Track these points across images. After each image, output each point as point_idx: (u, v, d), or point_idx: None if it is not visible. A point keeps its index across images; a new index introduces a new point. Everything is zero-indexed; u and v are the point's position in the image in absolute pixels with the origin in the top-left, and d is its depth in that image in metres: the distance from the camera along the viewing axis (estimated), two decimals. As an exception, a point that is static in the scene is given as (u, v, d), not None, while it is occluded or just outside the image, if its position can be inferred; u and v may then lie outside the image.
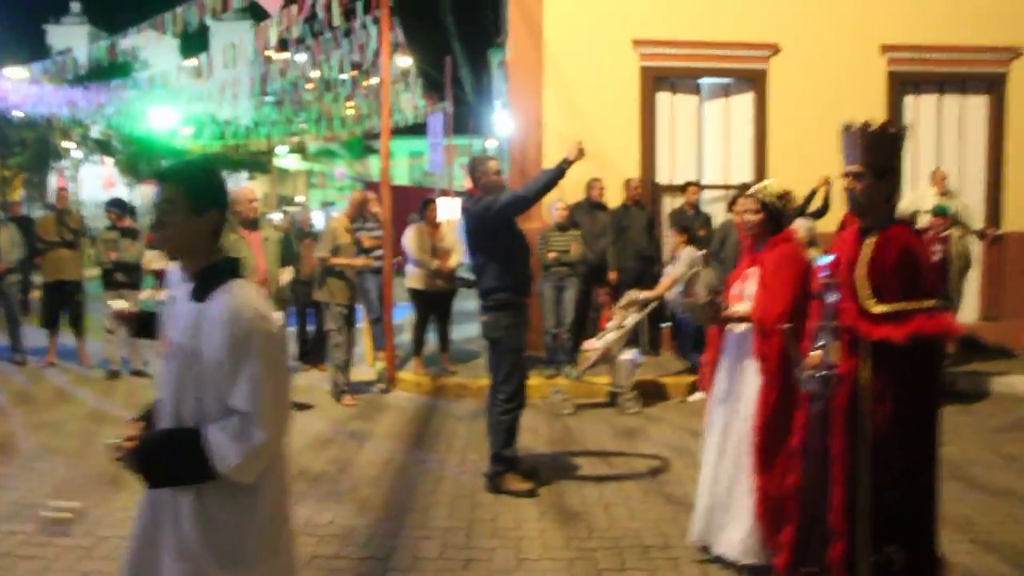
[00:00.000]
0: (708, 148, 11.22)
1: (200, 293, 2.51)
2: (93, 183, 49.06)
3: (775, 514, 4.03)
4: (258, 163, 47.83)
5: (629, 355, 8.34)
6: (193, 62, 15.43)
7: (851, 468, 3.20)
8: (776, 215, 4.41)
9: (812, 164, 9.33)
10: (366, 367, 10.00)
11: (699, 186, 10.58)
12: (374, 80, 17.76)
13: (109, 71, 20.50)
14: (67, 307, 10.40)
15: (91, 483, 5.96)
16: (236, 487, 2.43)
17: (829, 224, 9.04)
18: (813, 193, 9.46)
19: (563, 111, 10.65)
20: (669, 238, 8.99)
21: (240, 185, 9.27)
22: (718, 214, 10.43)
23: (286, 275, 8.92)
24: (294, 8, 10.96)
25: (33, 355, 10.68)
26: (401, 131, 23.09)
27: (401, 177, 58.53)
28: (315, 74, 17.31)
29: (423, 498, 5.75)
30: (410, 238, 9.35)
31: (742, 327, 4.39)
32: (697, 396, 8.62)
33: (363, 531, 5.14)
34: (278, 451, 2.52)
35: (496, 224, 5.88)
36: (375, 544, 4.95)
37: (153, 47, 19.42)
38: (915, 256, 3.23)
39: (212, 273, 2.54)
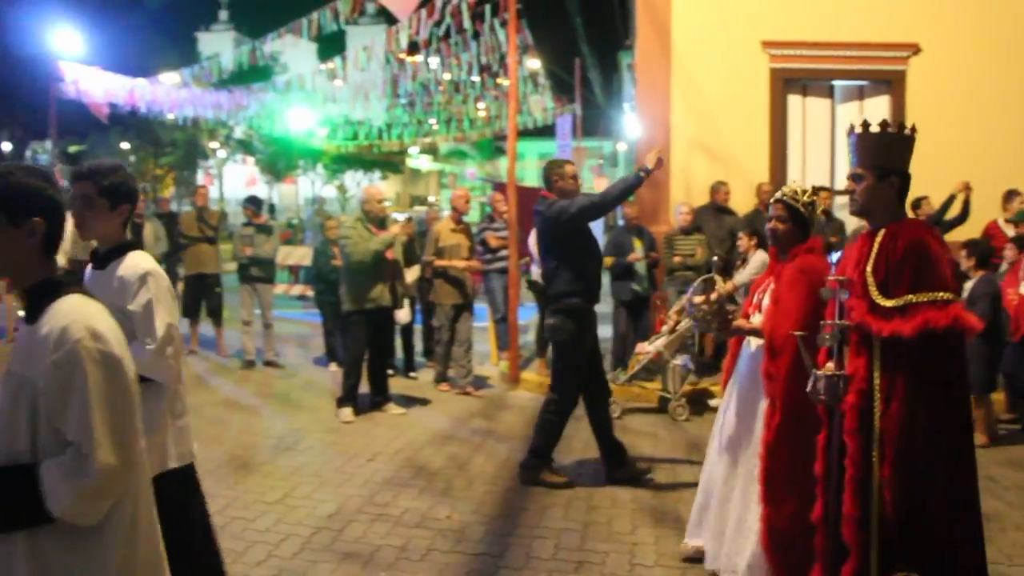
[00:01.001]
0: (841, 152, 10.88)
1: (31, 314, 2.20)
2: (236, 181, 51.61)
3: (782, 546, 3.84)
4: (391, 163, 49.12)
5: (680, 360, 8.16)
6: (329, 65, 15.97)
7: (862, 473, 3.03)
8: (803, 223, 4.17)
9: (951, 170, 8.96)
10: (490, 365, 10.14)
11: (831, 191, 10.24)
12: (503, 82, 17.96)
13: (251, 74, 21.40)
14: (207, 298, 10.90)
15: (223, 466, 6.27)
16: (77, 532, 2.10)
17: (970, 231, 8.63)
18: (951, 199, 9.04)
19: (691, 114, 10.52)
20: (742, 239, 8.74)
21: (371, 184, 9.60)
22: (851, 220, 10.09)
23: (412, 273, 9.16)
24: (424, 12, 11.19)
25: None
26: (530, 133, 23.27)
27: (531, 179, 58.77)
28: (446, 76, 17.60)
29: (539, 498, 5.77)
30: (535, 239, 9.38)
31: (758, 342, 4.16)
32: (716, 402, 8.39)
33: (478, 528, 5.21)
34: (131, 487, 2.19)
35: (570, 229, 5.88)
36: (489, 541, 5.01)
37: (292, 51, 20.11)
38: (925, 247, 3.06)
39: (42, 291, 2.21)
